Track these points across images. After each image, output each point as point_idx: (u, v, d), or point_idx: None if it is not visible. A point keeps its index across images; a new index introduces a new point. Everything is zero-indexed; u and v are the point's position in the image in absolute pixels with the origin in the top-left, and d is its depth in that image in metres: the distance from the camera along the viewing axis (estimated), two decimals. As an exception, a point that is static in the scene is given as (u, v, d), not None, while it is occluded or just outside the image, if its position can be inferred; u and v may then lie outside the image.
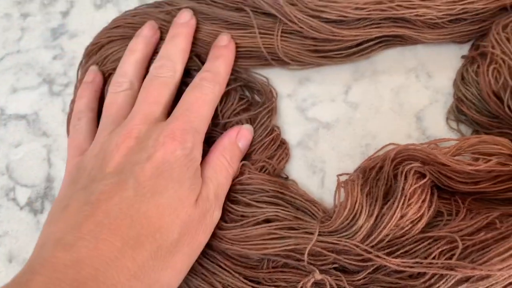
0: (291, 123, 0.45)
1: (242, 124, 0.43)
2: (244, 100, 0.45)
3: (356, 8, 0.41)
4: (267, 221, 0.37)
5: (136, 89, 0.41)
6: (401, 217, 0.36)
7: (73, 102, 0.45)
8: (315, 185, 0.43)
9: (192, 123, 0.37)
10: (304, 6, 0.42)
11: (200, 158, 0.37)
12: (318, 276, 0.35)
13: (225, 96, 0.43)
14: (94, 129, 0.41)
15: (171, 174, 0.33)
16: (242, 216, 0.38)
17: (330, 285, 0.35)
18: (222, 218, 0.37)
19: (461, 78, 0.44)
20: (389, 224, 0.35)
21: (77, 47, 0.50)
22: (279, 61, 0.45)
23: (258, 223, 0.37)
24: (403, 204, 0.36)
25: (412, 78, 0.46)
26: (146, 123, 0.36)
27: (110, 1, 0.52)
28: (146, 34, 0.43)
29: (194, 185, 0.35)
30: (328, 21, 0.42)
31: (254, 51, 0.44)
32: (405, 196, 0.36)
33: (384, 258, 0.34)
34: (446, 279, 0.34)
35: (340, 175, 0.40)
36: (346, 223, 0.36)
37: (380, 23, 0.43)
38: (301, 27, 0.42)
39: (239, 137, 0.41)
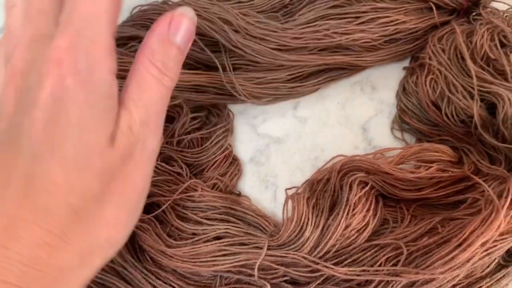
0: (243, 140, 0.46)
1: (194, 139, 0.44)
2: (197, 120, 0.46)
3: (294, 38, 0.43)
4: (218, 238, 0.38)
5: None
6: (347, 226, 0.37)
7: None
8: (268, 199, 0.44)
9: (83, 31, 0.26)
10: (246, 33, 0.43)
11: (110, 77, 0.27)
12: None
13: (177, 115, 0.44)
14: None
15: (67, 116, 0.25)
16: (193, 234, 0.38)
17: None
18: (172, 236, 0.38)
19: (403, 89, 0.46)
20: (335, 234, 0.36)
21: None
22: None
23: (208, 241, 0.37)
24: (347, 214, 0.37)
25: (357, 91, 0.47)
26: (31, 48, 0.27)
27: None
28: None
29: (105, 119, 0.26)
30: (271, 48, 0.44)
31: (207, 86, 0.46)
32: (350, 206, 0.37)
33: (332, 268, 0.35)
34: (392, 285, 0.35)
35: (288, 189, 0.41)
36: (293, 236, 0.37)
37: (320, 52, 0.44)
38: (245, 52, 0.43)
39: (173, 29, 0.28)
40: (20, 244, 0.24)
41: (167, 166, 0.41)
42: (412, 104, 0.44)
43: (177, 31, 0.29)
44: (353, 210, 0.37)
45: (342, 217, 0.37)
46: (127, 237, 0.29)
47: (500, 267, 0.37)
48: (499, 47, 0.42)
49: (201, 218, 0.39)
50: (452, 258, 0.35)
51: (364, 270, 0.36)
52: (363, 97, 0.47)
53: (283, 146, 0.46)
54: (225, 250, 0.37)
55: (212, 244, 0.37)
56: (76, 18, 0.26)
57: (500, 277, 0.36)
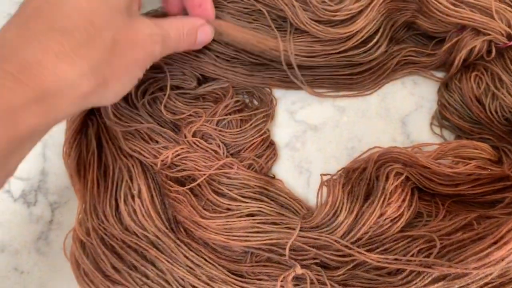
0: (280, 125, 0.47)
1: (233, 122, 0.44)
2: (239, 102, 0.46)
3: None
4: (251, 215, 0.38)
5: None
6: (381, 215, 0.37)
7: None
8: (301, 185, 0.44)
9: None
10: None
11: None
12: (299, 270, 0.36)
13: (223, 96, 0.45)
14: None
15: None
16: (228, 209, 0.39)
17: (311, 279, 0.36)
18: (207, 210, 0.39)
19: (445, 85, 0.45)
20: (369, 222, 0.36)
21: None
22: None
23: (241, 217, 0.38)
24: (383, 202, 0.37)
25: (399, 85, 0.47)
26: None
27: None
28: None
29: None
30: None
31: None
32: (385, 195, 0.37)
33: (364, 254, 0.36)
34: (423, 277, 0.35)
35: (324, 174, 0.41)
36: (327, 219, 0.37)
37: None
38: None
39: (201, 29, 0.41)
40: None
41: (204, 143, 0.42)
42: (454, 100, 0.44)
43: (203, 31, 0.41)
44: (389, 199, 0.37)
45: (377, 205, 0.37)
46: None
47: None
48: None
49: (236, 194, 0.40)
50: (487, 255, 0.34)
51: (396, 259, 0.36)
52: (404, 91, 0.47)
53: (319, 134, 0.46)
54: (258, 227, 0.37)
55: (245, 220, 0.37)
56: None
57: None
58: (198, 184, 0.40)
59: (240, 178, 0.40)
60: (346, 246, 0.36)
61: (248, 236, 0.37)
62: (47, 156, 0.47)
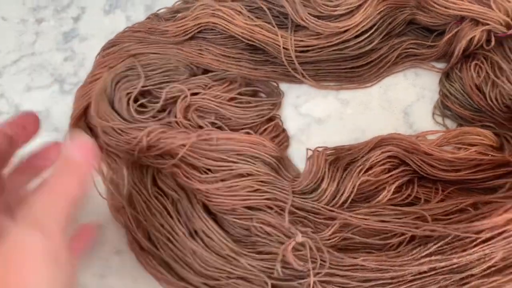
0: (285, 118, 0.48)
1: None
2: (249, 89, 0.48)
3: None
4: (245, 175, 0.40)
5: None
6: (363, 182, 0.39)
7: None
8: (306, 176, 0.45)
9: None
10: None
11: None
12: (299, 239, 0.36)
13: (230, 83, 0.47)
14: None
15: None
16: (219, 170, 0.40)
17: (310, 246, 0.36)
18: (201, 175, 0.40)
19: (446, 75, 0.46)
20: (350, 186, 0.38)
21: (87, 49, 0.53)
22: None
23: (236, 177, 0.39)
24: (364, 170, 0.39)
25: (400, 77, 0.48)
26: None
27: (118, 7, 0.56)
28: None
29: None
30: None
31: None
32: (367, 163, 0.39)
33: (345, 213, 0.37)
34: (423, 246, 0.35)
35: (310, 149, 0.43)
36: (311, 185, 0.39)
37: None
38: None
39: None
40: None
41: (195, 119, 0.44)
42: (455, 89, 0.45)
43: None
44: (371, 168, 0.39)
45: (357, 172, 0.38)
46: None
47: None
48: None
49: (223, 157, 0.40)
50: (478, 220, 0.35)
51: (382, 221, 0.37)
52: (405, 82, 0.48)
53: (324, 126, 0.47)
54: (255, 187, 0.39)
55: (243, 181, 0.39)
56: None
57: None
58: (183, 156, 0.40)
59: (223, 144, 0.41)
60: (329, 210, 0.38)
61: (249, 196, 0.38)
62: (61, 155, 0.49)
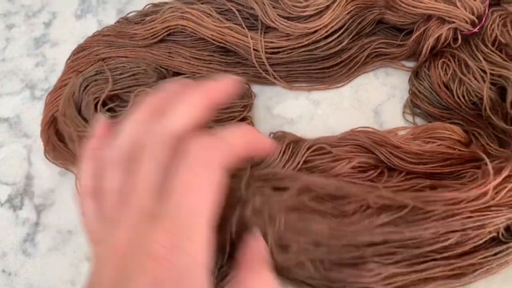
0: (258, 120, 0.48)
1: None
2: None
3: None
4: None
5: None
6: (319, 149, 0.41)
7: None
8: (279, 177, 0.45)
9: (183, 229, 0.26)
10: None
11: (203, 275, 0.26)
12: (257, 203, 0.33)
13: None
14: None
15: None
16: None
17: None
18: None
19: (415, 74, 0.47)
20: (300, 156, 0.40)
21: (58, 55, 0.53)
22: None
23: None
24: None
25: (371, 76, 0.48)
26: (136, 227, 0.26)
27: (90, 11, 0.56)
28: None
29: None
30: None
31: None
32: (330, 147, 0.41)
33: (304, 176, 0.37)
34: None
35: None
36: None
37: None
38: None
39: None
40: None
41: None
42: (424, 87, 0.45)
43: None
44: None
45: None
46: None
47: (500, 243, 0.36)
48: (511, 33, 0.43)
49: None
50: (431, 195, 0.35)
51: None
52: (376, 82, 0.48)
53: (296, 127, 0.47)
54: None
55: None
56: (179, 213, 0.25)
57: (497, 252, 0.35)
58: None
59: None
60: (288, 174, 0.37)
61: None
62: (31, 161, 0.48)
